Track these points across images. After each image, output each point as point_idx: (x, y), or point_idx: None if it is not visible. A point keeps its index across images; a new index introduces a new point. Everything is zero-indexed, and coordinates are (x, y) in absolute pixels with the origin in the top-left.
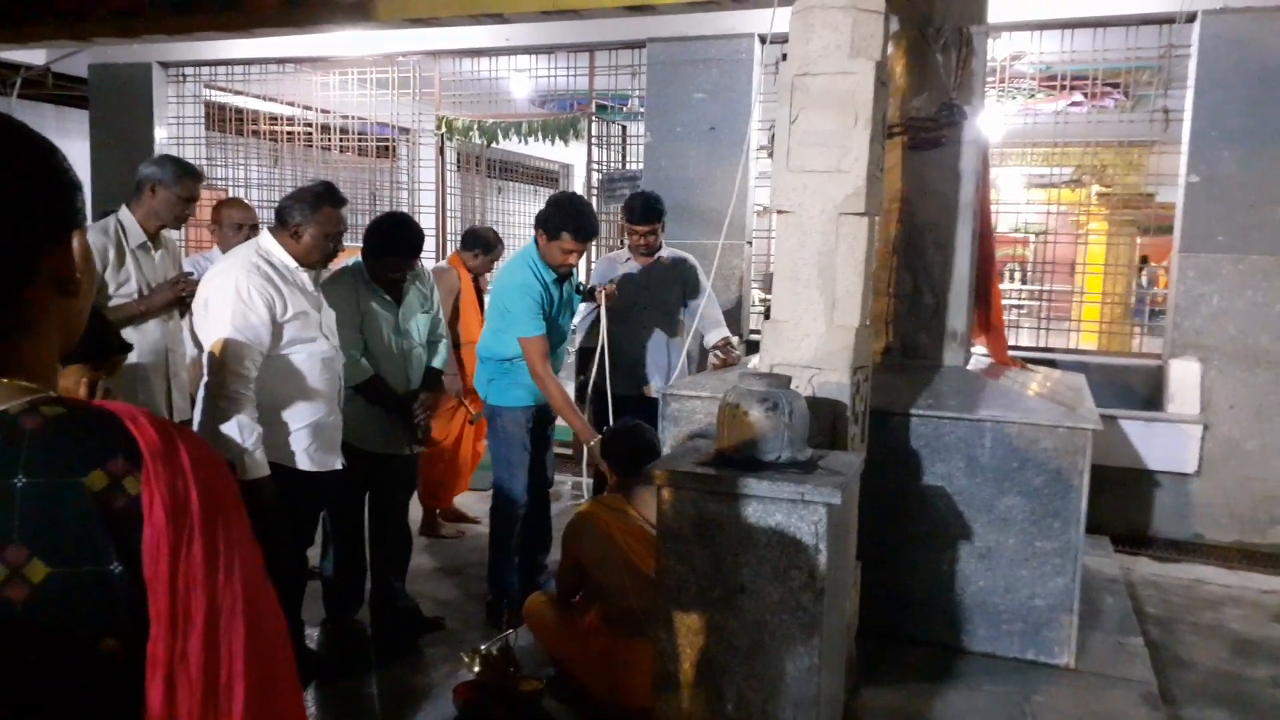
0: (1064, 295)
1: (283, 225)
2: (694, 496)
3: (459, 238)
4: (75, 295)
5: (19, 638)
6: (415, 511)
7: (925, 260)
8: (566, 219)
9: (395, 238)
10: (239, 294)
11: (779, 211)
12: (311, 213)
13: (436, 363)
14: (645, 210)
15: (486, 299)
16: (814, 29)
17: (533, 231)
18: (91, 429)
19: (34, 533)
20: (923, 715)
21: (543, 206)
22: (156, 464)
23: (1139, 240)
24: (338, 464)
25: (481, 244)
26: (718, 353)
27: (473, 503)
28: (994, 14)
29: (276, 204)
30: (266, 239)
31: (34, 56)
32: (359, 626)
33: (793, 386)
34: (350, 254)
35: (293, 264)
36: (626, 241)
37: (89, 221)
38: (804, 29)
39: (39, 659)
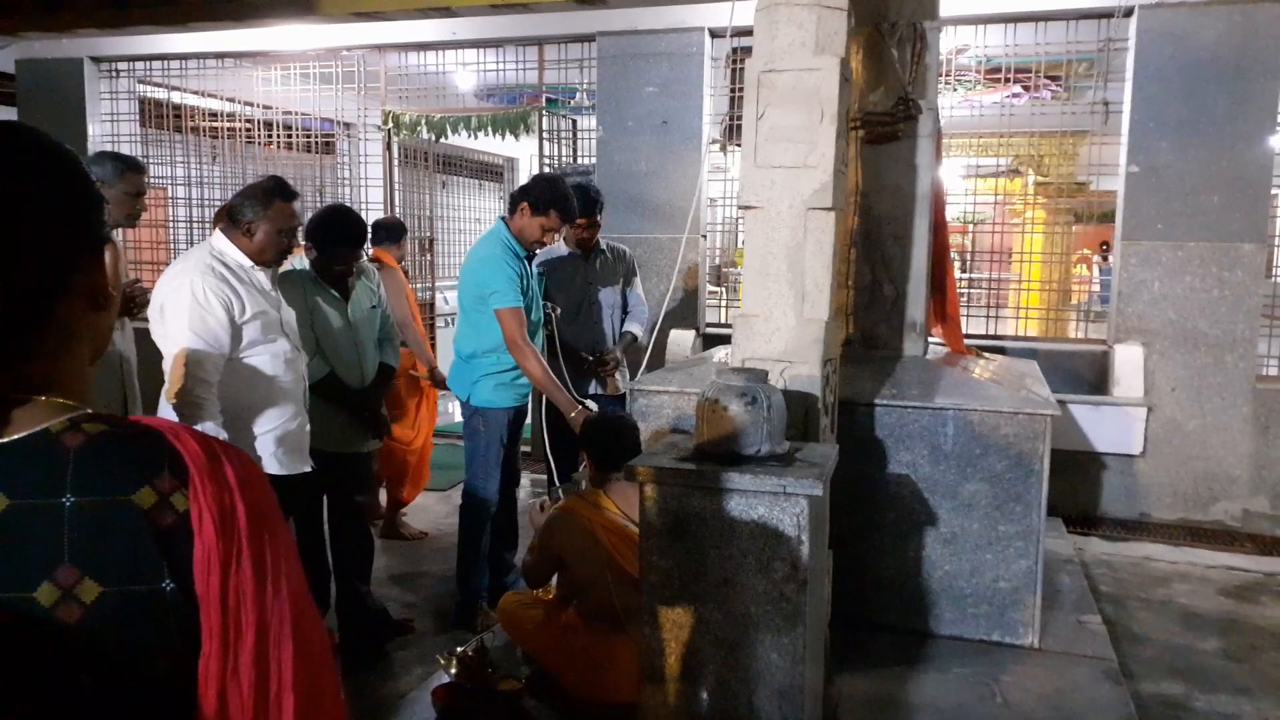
0: (1003, 283)
1: (234, 224)
2: (676, 492)
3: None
4: (107, 309)
5: (72, 659)
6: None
7: (884, 253)
8: (557, 198)
9: (341, 229)
10: (194, 297)
11: (747, 207)
12: (263, 209)
13: (391, 359)
14: (585, 202)
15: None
16: (779, 26)
17: (477, 225)
18: (136, 446)
19: (85, 553)
20: (897, 700)
21: (529, 184)
22: (203, 479)
23: (1074, 229)
24: (306, 466)
25: (402, 229)
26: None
27: (432, 504)
28: (943, 9)
29: (216, 202)
30: (219, 239)
31: None
32: (328, 630)
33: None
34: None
35: (248, 263)
36: (562, 235)
37: None
38: (769, 26)
39: (92, 679)
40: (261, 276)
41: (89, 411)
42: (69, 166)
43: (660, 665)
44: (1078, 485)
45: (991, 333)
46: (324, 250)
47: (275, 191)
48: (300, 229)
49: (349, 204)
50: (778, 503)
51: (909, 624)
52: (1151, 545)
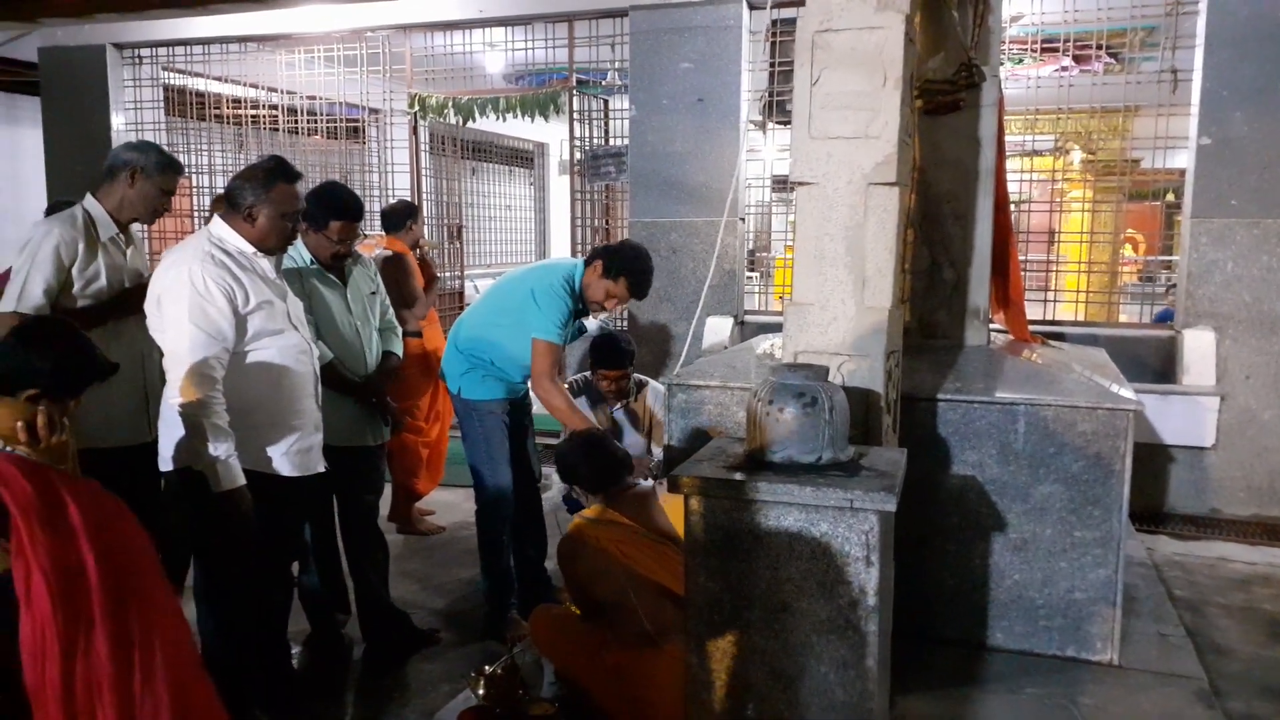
0: (1054, 265)
1: (234, 208)
2: (726, 505)
3: (434, 222)
4: None
5: None
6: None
7: (944, 233)
8: (634, 271)
9: (337, 202)
10: (194, 287)
11: (800, 184)
12: (264, 191)
13: (395, 348)
14: (614, 353)
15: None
16: None
17: (508, 212)
18: None
19: None
20: None
21: (616, 245)
22: (33, 526)
23: (1125, 208)
24: (321, 467)
25: (413, 213)
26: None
27: (461, 500)
28: None
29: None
30: (218, 225)
31: None
32: (347, 641)
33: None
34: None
35: (250, 250)
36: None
37: (41, 216)
38: None
39: None
40: (265, 264)
41: None
42: None
43: (709, 699)
44: (1143, 480)
45: (1048, 318)
46: (320, 226)
47: (277, 173)
48: (301, 212)
49: (376, 191)
50: (843, 519)
51: (975, 637)
52: (1225, 544)
